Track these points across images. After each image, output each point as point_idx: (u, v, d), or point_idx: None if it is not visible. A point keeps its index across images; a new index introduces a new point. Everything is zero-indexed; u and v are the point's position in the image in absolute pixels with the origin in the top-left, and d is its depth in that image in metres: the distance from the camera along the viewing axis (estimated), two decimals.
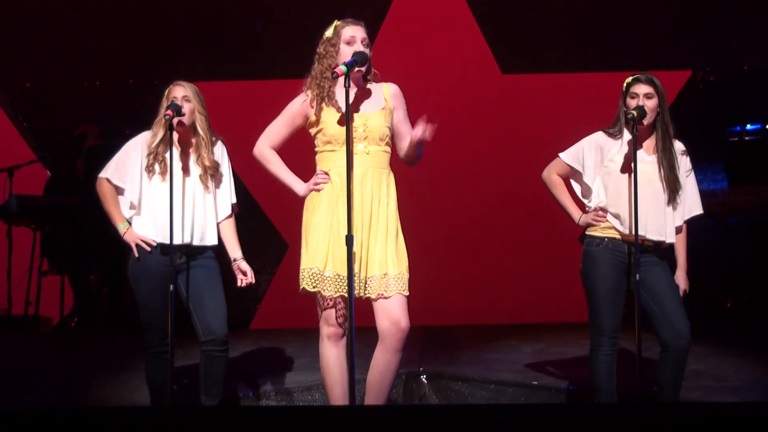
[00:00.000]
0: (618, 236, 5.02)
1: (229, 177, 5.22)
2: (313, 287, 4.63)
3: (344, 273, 4.54)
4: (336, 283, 4.60)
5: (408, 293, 4.67)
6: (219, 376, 5.09)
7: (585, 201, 5.17)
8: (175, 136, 5.01)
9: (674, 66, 8.77)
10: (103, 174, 5.13)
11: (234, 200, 5.24)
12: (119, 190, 5.13)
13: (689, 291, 5.09)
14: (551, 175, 5.25)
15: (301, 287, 4.68)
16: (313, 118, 4.77)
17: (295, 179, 4.84)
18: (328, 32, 4.78)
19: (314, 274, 4.63)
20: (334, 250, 4.61)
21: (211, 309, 5.04)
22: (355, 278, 4.53)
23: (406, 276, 4.67)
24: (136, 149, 5.14)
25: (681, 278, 5.07)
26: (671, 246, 5.07)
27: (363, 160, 4.65)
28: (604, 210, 5.05)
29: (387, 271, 4.62)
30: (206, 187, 5.09)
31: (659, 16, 8.93)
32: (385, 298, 4.61)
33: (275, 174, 4.88)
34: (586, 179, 5.13)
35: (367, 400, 4.78)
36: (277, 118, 4.90)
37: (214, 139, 5.15)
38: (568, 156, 5.20)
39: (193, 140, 5.11)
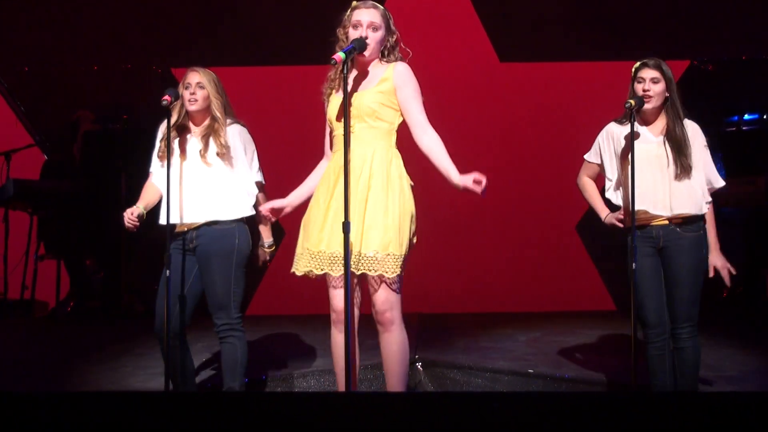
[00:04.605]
0: (647, 222, 5.01)
1: (244, 158, 5.15)
2: (321, 270, 4.58)
3: (320, 249, 4.56)
4: (319, 260, 4.58)
5: (395, 273, 4.52)
6: (228, 360, 5.15)
7: (608, 194, 5.16)
8: (189, 119, 5.13)
9: (673, 55, 8.71)
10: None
11: (258, 179, 5.19)
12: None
13: None
14: (581, 178, 5.32)
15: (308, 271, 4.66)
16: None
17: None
18: (346, 15, 4.75)
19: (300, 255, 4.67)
20: (329, 230, 4.58)
21: (213, 293, 5.10)
22: (325, 256, 4.56)
23: (396, 254, 4.53)
24: (157, 139, 5.22)
25: (714, 258, 5.02)
26: (699, 218, 5.02)
27: (352, 138, 4.61)
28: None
29: (361, 249, 4.51)
30: (209, 165, 5.06)
31: (658, 5, 8.93)
32: (376, 280, 4.55)
33: None
34: (607, 171, 5.15)
35: (387, 387, 4.76)
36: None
37: (229, 121, 5.13)
38: (590, 154, 5.25)
39: (209, 123, 5.11)
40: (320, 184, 4.72)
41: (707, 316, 7.93)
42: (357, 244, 4.51)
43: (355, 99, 4.63)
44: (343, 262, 4.34)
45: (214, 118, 5.10)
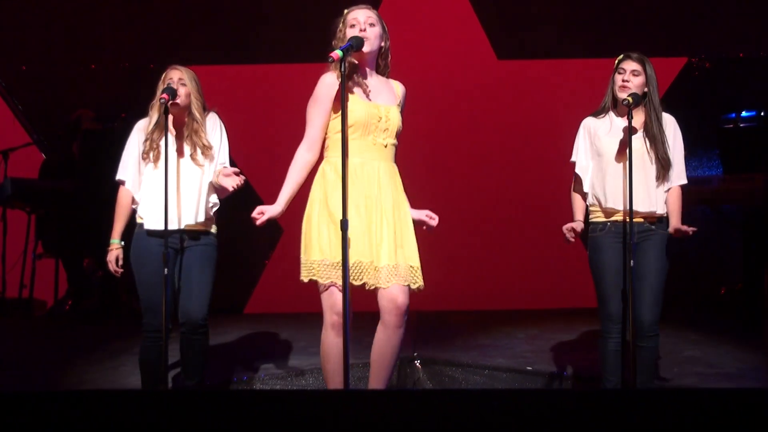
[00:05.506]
0: (620, 219, 5.00)
1: (219, 146, 5.12)
2: (327, 279, 4.52)
3: (361, 260, 4.51)
4: (354, 270, 4.51)
5: (416, 284, 4.65)
6: (195, 358, 5.15)
7: (585, 188, 5.15)
8: (170, 119, 5.01)
9: (670, 53, 8.77)
10: (117, 175, 5.16)
11: (222, 161, 5.13)
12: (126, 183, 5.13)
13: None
14: (572, 191, 5.27)
15: (308, 278, 4.58)
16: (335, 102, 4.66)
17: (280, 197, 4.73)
18: (340, 22, 4.72)
19: (328, 265, 4.52)
20: (354, 238, 4.51)
21: (191, 292, 5.06)
22: (369, 267, 4.52)
23: (417, 264, 4.66)
24: (134, 140, 5.13)
25: (675, 227, 4.96)
26: (664, 218, 5.05)
27: (380, 152, 4.63)
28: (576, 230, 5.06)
29: (398, 261, 4.57)
30: (201, 167, 5.05)
31: (656, 2, 8.93)
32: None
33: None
34: (583, 164, 5.14)
35: (370, 381, 4.75)
36: (310, 114, 4.71)
37: (205, 112, 5.10)
38: (573, 156, 5.20)
39: (188, 123, 5.07)
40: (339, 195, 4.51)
41: (706, 314, 7.98)
42: (395, 257, 4.59)
43: (391, 112, 4.67)
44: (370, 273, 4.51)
45: (192, 117, 5.06)
